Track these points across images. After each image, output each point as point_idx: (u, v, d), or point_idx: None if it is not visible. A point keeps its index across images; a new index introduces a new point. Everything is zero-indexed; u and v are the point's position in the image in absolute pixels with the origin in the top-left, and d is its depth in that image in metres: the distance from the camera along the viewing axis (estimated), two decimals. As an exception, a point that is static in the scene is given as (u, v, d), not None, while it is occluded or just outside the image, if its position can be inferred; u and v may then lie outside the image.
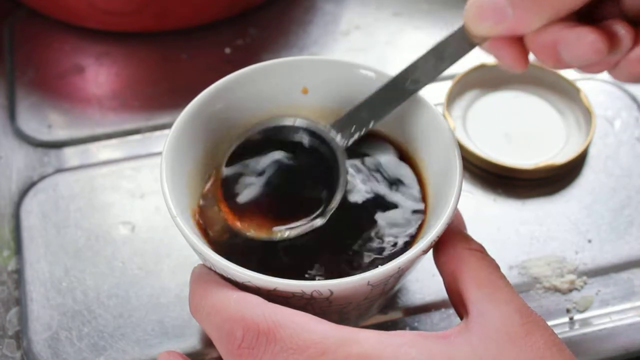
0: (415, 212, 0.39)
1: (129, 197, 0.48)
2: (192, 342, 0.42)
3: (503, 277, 0.34)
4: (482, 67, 0.53)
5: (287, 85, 0.42)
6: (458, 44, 0.35)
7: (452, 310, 0.43)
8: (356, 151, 0.41)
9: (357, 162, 0.41)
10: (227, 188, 0.38)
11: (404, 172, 0.41)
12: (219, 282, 0.34)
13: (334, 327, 0.31)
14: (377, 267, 0.33)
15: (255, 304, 0.32)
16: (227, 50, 0.57)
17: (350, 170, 0.41)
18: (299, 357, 0.30)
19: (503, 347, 0.31)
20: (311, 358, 0.30)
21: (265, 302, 0.32)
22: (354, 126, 0.38)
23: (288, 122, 0.39)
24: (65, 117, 0.53)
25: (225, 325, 0.31)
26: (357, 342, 0.30)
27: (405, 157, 0.41)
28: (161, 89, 0.55)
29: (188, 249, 0.35)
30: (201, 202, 0.40)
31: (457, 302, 0.35)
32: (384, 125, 0.41)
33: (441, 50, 0.35)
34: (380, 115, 0.38)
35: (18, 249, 0.46)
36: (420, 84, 0.37)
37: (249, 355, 0.31)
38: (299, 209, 0.38)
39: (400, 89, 0.37)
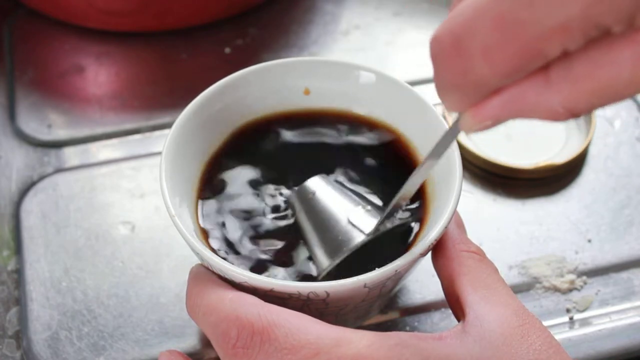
0: (414, 213, 0.39)
1: (128, 197, 0.48)
2: (192, 342, 0.42)
3: (501, 279, 0.34)
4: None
5: (287, 86, 0.42)
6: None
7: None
8: (355, 152, 0.41)
9: (357, 164, 0.41)
10: None
11: (404, 172, 0.41)
12: (216, 282, 0.34)
13: (329, 327, 0.31)
14: (374, 269, 0.33)
15: (251, 304, 0.32)
16: (227, 50, 0.57)
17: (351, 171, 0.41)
18: (293, 357, 0.30)
19: (499, 349, 0.31)
20: (305, 358, 0.30)
21: (261, 302, 0.32)
22: (397, 212, 0.37)
23: (361, 238, 0.36)
24: (65, 117, 0.53)
25: (220, 324, 0.32)
26: (351, 342, 0.30)
27: (405, 157, 0.41)
28: (161, 89, 0.55)
29: (188, 249, 0.35)
30: (200, 201, 0.39)
31: (454, 304, 0.35)
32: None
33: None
34: (412, 193, 0.36)
35: (18, 248, 0.46)
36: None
37: (243, 355, 0.31)
38: None
39: (433, 162, 0.33)
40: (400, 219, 0.37)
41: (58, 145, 0.52)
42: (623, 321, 0.43)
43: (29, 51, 0.57)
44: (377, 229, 0.36)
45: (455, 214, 0.36)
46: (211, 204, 0.39)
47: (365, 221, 0.36)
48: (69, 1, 0.56)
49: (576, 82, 0.25)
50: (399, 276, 0.34)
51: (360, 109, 0.42)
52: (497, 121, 0.27)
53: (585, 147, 0.49)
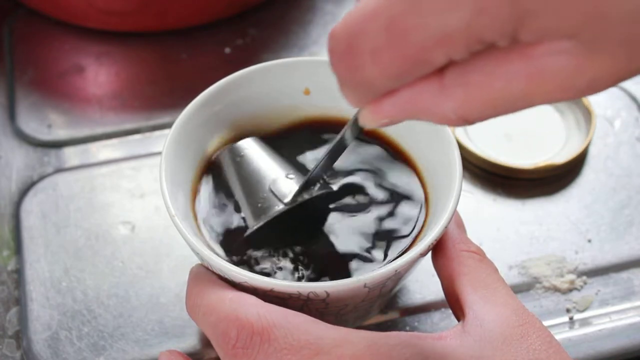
0: (414, 213, 0.39)
1: (128, 197, 0.48)
2: (192, 342, 0.42)
3: (501, 279, 0.34)
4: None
5: (288, 86, 0.42)
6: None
7: (451, 310, 0.43)
8: (356, 154, 0.41)
9: (357, 164, 0.41)
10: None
11: (404, 173, 0.41)
12: (216, 282, 0.34)
13: (329, 327, 0.31)
14: (374, 269, 0.33)
15: (251, 304, 0.32)
16: (227, 50, 0.57)
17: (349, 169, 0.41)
18: (292, 357, 0.30)
19: (499, 348, 0.31)
20: (305, 359, 0.30)
21: (261, 302, 0.32)
22: (315, 185, 0.38)
23: (279, 208, 0.37)
24: (65, 117, 0.53)
25: (220, 325, 0.32)
26: (351, 342, 0.30)
27: (404, 158, 0.41)
28: (161, 89, 0.55)
29: (188, 249, 0.35)
30: (200, 201, 0.39)
31: (454, 304, 0.35)
32: (383, 127, 0.41)
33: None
34: (328, 169, 0.39)
35: (18, 248, 0.46)
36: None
37: (243, 355, 0.31)
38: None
39: (342, 145, 0.35)
40: (317, 190, 0.38)
41: (58, 145, 0.52)
42: (623, 321, 0.43)
43: (29, 51, 0.57)
44: (294, 199, 0.37)
45: (455, 214, 0.36)
46: (211, 204, 0.39)
47: (286, 190, 0.37)
48: (69, 1, 0.56)
49: (468, 90, 0.25)
50: (399, 276, 0.34)
51: (360, 109, 0.42)
52: (393, 120, 0.28)
53: (585, 147, 0.49)
